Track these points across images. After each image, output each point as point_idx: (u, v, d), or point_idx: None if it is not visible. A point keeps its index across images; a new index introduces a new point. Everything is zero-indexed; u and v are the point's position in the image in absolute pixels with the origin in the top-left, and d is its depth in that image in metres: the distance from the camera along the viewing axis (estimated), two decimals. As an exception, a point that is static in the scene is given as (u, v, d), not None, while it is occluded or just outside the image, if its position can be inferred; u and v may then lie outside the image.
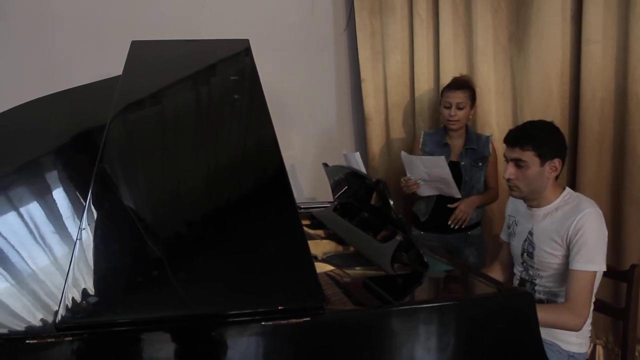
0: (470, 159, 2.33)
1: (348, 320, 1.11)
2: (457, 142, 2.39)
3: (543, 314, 1.50)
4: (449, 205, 2.32)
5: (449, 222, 2.31)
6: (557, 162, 1.65)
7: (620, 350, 1.79)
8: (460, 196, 2.29)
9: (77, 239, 1.13)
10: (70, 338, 0.97)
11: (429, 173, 2.26)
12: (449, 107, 2.32)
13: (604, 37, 2.13)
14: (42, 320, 1.02)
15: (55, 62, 2.64)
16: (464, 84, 2.35)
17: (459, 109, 2.31)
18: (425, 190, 2.35)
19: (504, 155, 1.72)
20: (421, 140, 2.50)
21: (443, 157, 2.23)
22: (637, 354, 2.09)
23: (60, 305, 1.00)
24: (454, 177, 2.24)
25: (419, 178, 2.30)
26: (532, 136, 1.64)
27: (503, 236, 1.93)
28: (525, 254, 1.74)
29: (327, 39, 3.04)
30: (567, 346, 1.65)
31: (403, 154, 2.40)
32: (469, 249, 2.38)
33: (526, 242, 1.74)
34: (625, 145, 2.12)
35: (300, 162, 2.99)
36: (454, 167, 2.30)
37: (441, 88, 2.67)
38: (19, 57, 2.61)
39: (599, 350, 2.34)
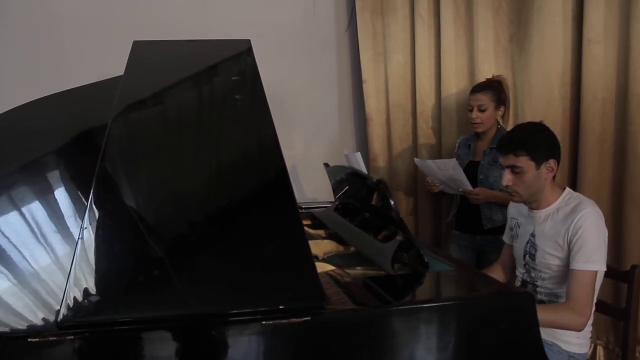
0: (490, 157, 2.32)
1: (348, 319, 1.12)
2: (482, 143, 2.38)
3: (545, 314, 1.50)
4: (459, 189, 2.30)
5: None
6: (552, 162, 1.64)
7: (620, 350, 1.79)
8: None
9: (78, 238, 1.13)
10: (72, 337, 0.97)
11: (443, 174, 2.29)
12: (471, 110, 2.32)
13: (605, 37, 2.13)
14: (44, 319, 1.03)
15: (56, 63, 2.64)
16: (485, 86, 2.34)
17: (481, 111, 2.30)
18: (448, 189, 2.37)
19: (499, 164, 1.72)
20: (457, 145, 2.53)
21: (454, 159, 2.25)
22: (637, 354, 2.08)
23: (62, 304, 1.01)
24: (470, 176, 2.24)
25: (437, 179, 2.32)
26: (523, 141, 1.62)
27: (505, 238, 1.93)
28: (527, 255, 1.74)
29: (329, 40, 3.04)
30: (567, 346, 1.65)
31: (416, 160, 2.44)
32: (495, 255, 2.34)
33: (528, 244, 1.74)
34: (626, 146, 2.11)
35: (302, 162, 2.99)
36: (473, 166, 2.30)
37: (442, 88, 2.68)
38: (20, 58, 2.62)
39: (600, 350, 2.34)
